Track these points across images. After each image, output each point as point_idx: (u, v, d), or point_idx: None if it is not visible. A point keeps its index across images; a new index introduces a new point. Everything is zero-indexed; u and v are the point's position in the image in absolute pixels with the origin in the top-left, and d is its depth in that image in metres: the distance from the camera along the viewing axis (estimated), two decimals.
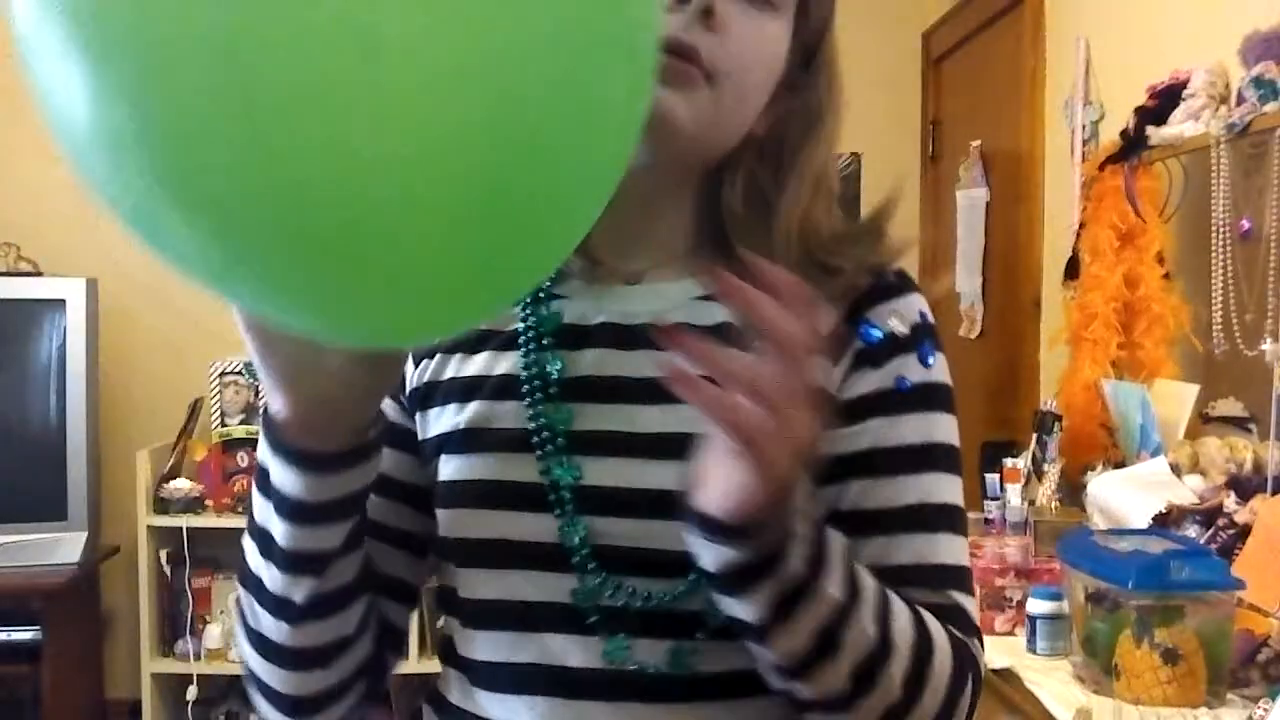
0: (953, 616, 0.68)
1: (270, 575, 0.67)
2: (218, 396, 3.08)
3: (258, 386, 3.11)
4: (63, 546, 2.82)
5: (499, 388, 0.73)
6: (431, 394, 0.76)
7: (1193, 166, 2.05)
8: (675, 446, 0.62)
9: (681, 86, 0.66)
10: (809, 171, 0.72)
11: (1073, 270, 2.33)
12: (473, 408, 0.73)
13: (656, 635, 0.67)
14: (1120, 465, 2.05)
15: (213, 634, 2.99)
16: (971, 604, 0.70)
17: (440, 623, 0.78)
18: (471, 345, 0.75)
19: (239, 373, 3.10)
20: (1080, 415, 2.23)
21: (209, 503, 3.04)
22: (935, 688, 0.63)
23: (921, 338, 0.73)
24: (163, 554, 3.01)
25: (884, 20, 3.74)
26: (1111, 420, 2.16)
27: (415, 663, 2.96)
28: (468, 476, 0.72)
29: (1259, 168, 1.81)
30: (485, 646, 0.72)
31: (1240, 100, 1.83)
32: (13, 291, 2.86)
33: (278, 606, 0.67)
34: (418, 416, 0.77)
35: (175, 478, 3.02)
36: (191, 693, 2.97)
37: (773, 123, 0.73)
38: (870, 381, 0.71)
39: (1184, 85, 2.02)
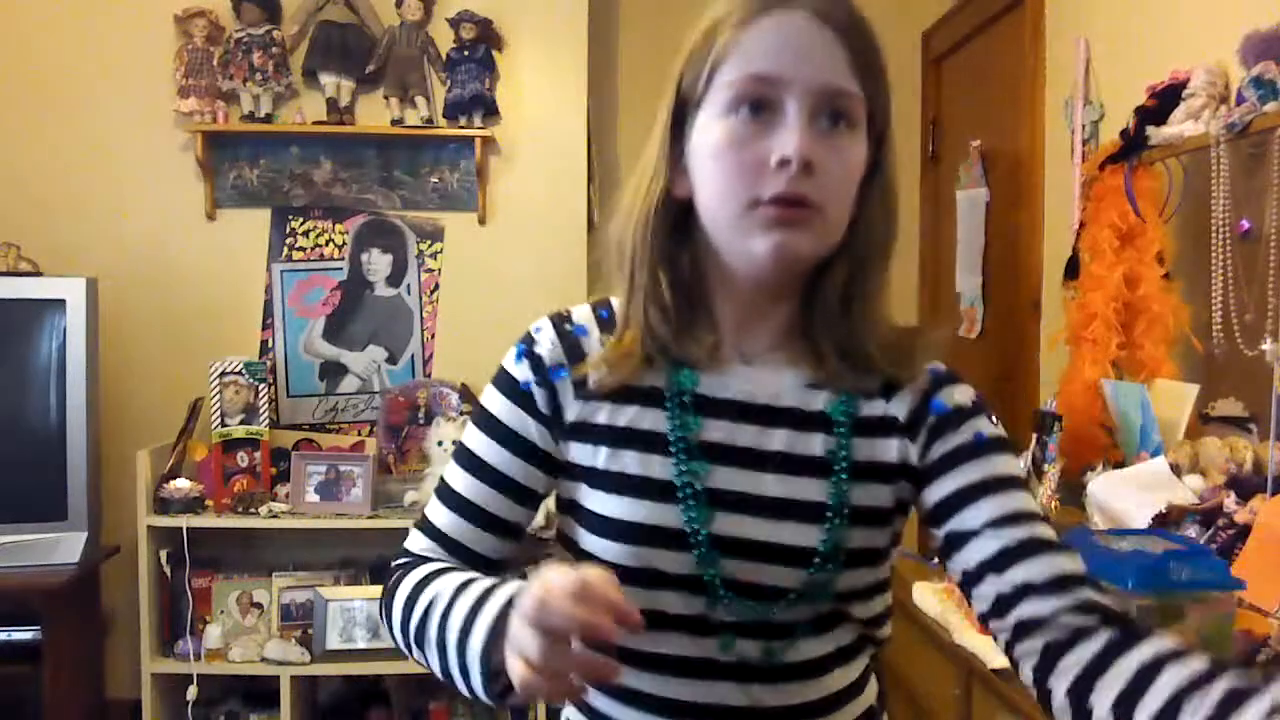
0: (1078, 561, 0.87)
1: (413, 652, 0.92)
2: (218, 396, 3.08)
3: (258, 386, 3.11)
4: (63, 546, 2.82)
5: (648, 441, 0.89)
6: (583, 430, 0.91)
7: (1193, 166, 2.05)
8: (788, 509, 0.87)
9: (799, 227, 0.83)
10: (881, 275, 0.90)
11: (1073, 270, 2.33)
12: (628, 456, 0.89)
13: (755, 637, 0.88)
14: (1120, 465, 2.05)
15: (213, 634, 2.99)
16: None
17: None
18: (620, 397, 0.91)
19: (239, 373, 3.10)
20: (1080, 415, 2.22)
21: (209, 503, 3.04)
22: None
23: (984, 407, 0.93)
24: (163, 554, 3.01)
25: (884, 20, 3.71)
26: (1111, 420, 2.15)
27: (415, 663, 2.96)
28: (621, 516, 0.88)
29: (1259, 168, 1.81)
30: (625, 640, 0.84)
31: (1240, 100, 1.83)
32: (13, 291, 2.86)
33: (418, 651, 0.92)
34: (565, 444, 0.92)
35: (175, 478, 3.02)
36: (191, 693, 2.97)
37: (853, 227, 0.88)
38: (954, 440, 0.90)
39: (1184, 85, 2.02)
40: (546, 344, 0.93)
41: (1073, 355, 2.30)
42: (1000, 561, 0.85)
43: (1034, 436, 2.28)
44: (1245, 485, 1.72)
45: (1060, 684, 0.80)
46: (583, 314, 0.96)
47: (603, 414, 0.91)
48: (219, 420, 3.08)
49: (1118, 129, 2.22)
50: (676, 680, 0.89)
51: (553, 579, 0.69)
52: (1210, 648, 1.40)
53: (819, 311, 0.91)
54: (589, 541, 0.89)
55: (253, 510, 3.02)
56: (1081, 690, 0.78)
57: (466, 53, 3.20)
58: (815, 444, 0.89)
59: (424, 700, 3.13)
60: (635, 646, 0.87)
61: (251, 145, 3.26)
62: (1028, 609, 0.84)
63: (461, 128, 3.23)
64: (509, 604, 0.75)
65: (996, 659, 1.70)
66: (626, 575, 0.81)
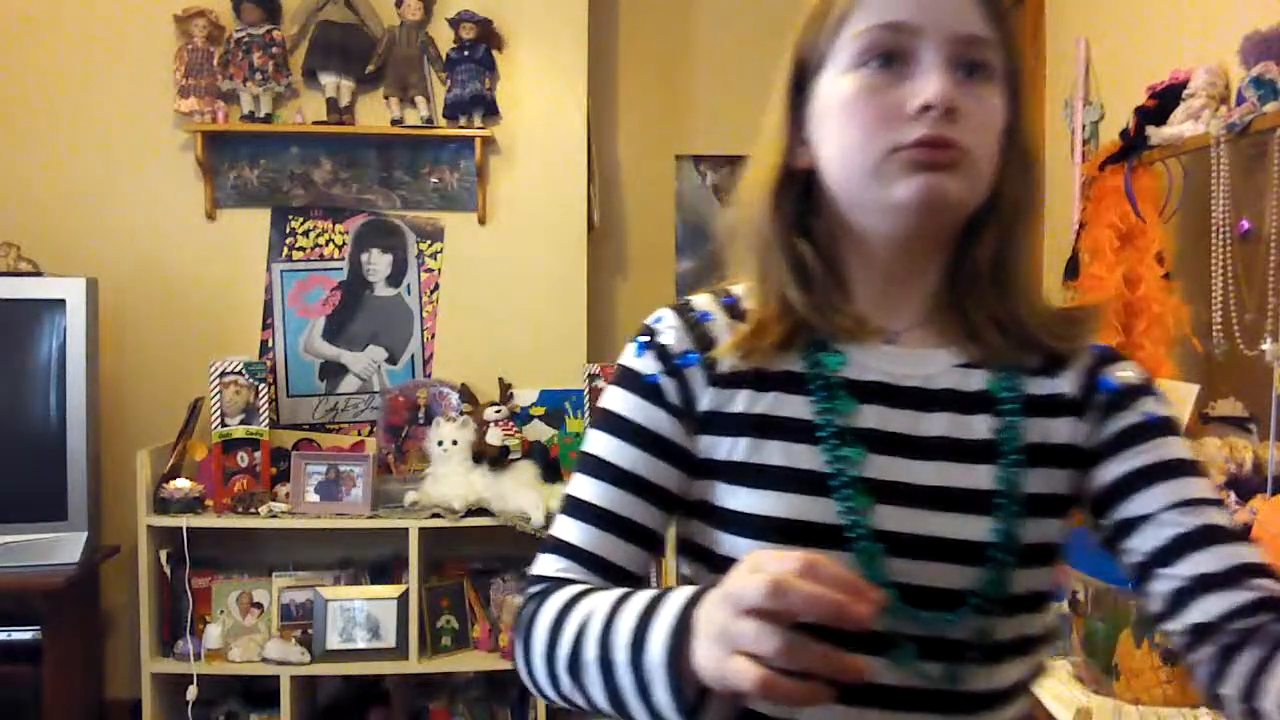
0: (1257, 550, 0.80)
1: (562, 681, 0.76)
2: (218, 396, 3.08)
3: (258, 386, 3.11)
4: (63, 546, 2.82)
5: (793, 429, 0.81)
6: (716, 421, 0.83)
7: (1193, 166, 2.05)
8: (954, 499, 0.79)
9: (947, 170, 0.77)
10: (1027, 237, 0.84)
11: (1073, 270, 2.33)
12: (772, 446, 0.81)
13: (936, 657, 0.78)
14: None
15: (213, 634, 2.99)
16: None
17: None
18: (757, 384, 0.83)
19: (239, 373, 3.10)
20: None
21: (209, 503, 3.04)
22: None
23: (1152, 386, 0.86)
24: (163, 554, 3.01)
25: None
26: None
27: (415, 663, 2.96)
28: (768, 512, 0.80)
29: (1259, 168, 1.81)
30: None
31: (1240, 100, 1.83)
32: (13, 291, 2.86)
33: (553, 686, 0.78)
34: (698, 438, 0.84)
35: (175, 478, 3.02)
36: (191, 693, 2.97)
37: (997, 182, 0.82)
38: (1124, 420, 0.83)
39: (1184, 85, 2.01)
40: (670, 333, 0.86)
41: None
42: (1175, 550, 0.78)
43: None
44: (1245, 485, 1.72)
45: (1231, 688, 0.72)
46: (703, 301, 0.88)
47: (739, 402, 0.83)
48: (219, 420, 3.08)
49: (1118, 129, 2.22)
50: (842, 710, 0.77)
51: (766, 561, 0.60)
52: None
53: (968, 280, 0.84)
54: (729, 544, 0.81)
55: (253, 510, 3.02)
56: (1249, 691, 0.71)
57: (466, 53, 3.20)
58: (978, 426, 0.82)
59: (424, 700, 3.13)
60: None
61: (251, 145, 3.26)
62: (1203, 607, 0.76)
63: (461, 128, 3.23)
64: (692, 603, 0.65)
65: None
66: None
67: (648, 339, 0.86)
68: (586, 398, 3.18)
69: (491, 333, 3.32)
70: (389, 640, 2.97)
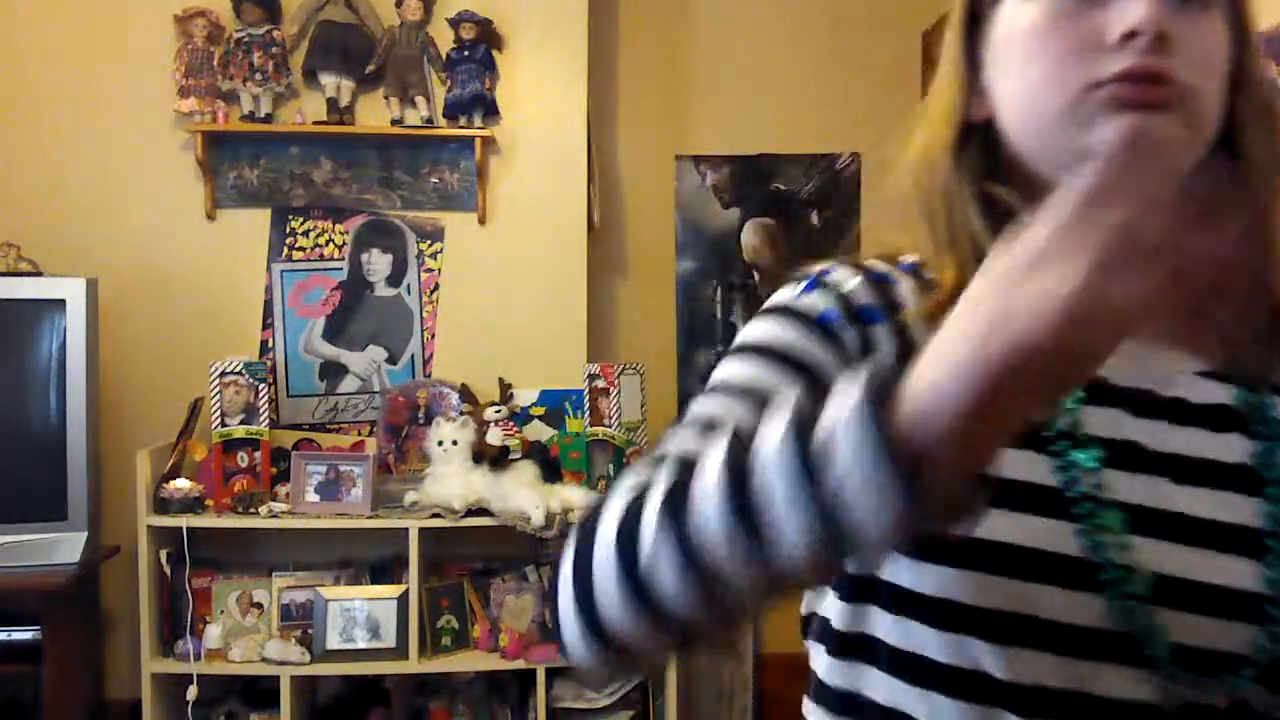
0: None
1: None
2: (218, 396, 3.08)
3: (258, 386, 3.11)
4: (63, 546, 2.81)
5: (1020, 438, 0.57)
6: None
7: None
8: (1217, 536, 0.61)
9: (1161, 109, 0.61)
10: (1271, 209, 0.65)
11: None
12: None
13: None
14: None
15: (213, 634, 2.99)
16: None
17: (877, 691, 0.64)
18: None
19: (239, 373, 3.09)
20: None
21: (209, 503, 3.04)
22: None
23: None
24: (163, 554, 3.01)
25: (884, 20, 3.74)
26: None
27: (415, 663, 2.96)
28: (984, 535, 0.59)
29: None
30: None
31: None
32: (13, 291, 2.86)
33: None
34: None
35: (175, 478, 3.02)
36: (191, 693, 2.96)
37: (1229, 133, 0.66)
38: None
39: None
40: (850, 281, 0.69)
41: None
42: None
43: None
44: None
45: None
46: (875, 263, 0.72)
47: None
48: (219, 420, 3.08)
49: None
50: None
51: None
52: None
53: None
54: (910, 575, 0.61)
55: (253, 510, 3.02)
56: None
57: (466, 53, 3.20)
58: (1231, 448, 0.65)
59: (424, 700, 3.13)
60: None
61: (251, 145, 3.26)
62: None
63: (461, 128, 3.23)
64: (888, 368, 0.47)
65: None
66: (993, 629, 0.58)
67: (817, 279, 0.70)
68: (586, 398, 3.18)
69: (491, 333, 3.32)
70: (389, 640, 2.97)
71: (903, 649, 0.62)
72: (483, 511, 2.97)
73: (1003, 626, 0.59)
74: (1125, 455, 0.63)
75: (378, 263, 3.32)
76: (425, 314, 3.34)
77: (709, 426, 0.59)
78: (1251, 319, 0.65)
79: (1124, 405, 0.65)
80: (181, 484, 3.00)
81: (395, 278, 3.33)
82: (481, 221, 3.32)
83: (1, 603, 2.73)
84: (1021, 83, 0.66)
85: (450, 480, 3.00)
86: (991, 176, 0.70)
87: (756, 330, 0.68)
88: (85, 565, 2.85)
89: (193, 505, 2.99)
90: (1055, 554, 0.59)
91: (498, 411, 3.18)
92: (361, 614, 2.99)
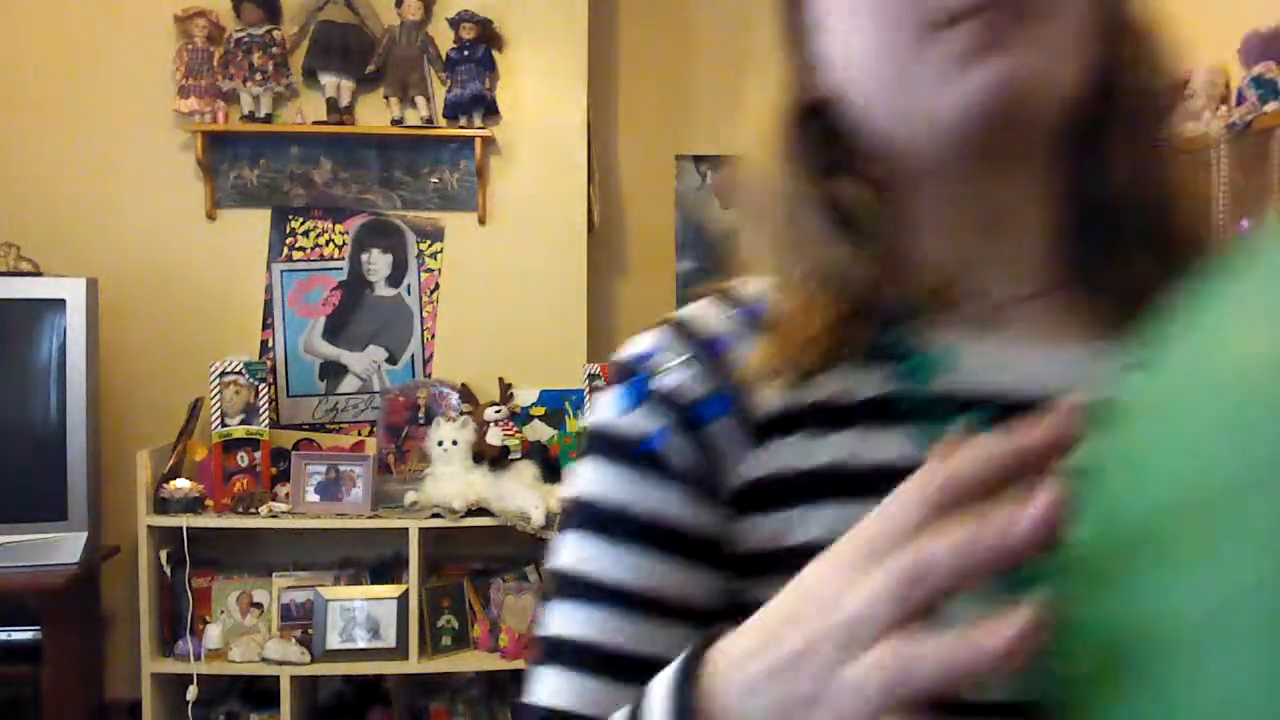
0: None
1: None
2: (218, 396, 3.08)
3: (258, 386, 3.11)
4: (63, 546, 2.81)
5: (892, 480, 0.40)
6: (770, 492, 0.53)
7: (1193, 166, 2.05)
8: None
9: (1011, 43, 0.48)
10: (1165, 133, 0.56)
11: None
12: (848, 510, 0.46)
13: None
14: None
15: (213, 634, 2.99)
16: None
17: None
18: (821, 420, 0.53)
19: (239, 373, 3.09)
20: None
21: (209, 503, 3.04)
22: None
23: None
24: (163, 554, 3.01)
25: None
26: None
27: (415, 663, 2.96)
28: None
29: (1259, 168, 1.81)
30: None
31: (1240, 100, 1.83)
32: (13, 291, 2.86)
33: None
34: (743, 520, 0.53)
35: (175, 478, 3.02)
36: (191, 693, 2.96)
37: (1105, 75, 0.53)
38: None
39: (1184, 85, 2.02)
40: (674, 374, 0.55)
41: None
42: None
43: None
44: None
45: None
46: (710, 316, 0.58)
47: (798, 454, 0.53)
48: (219, 420, 3.08)
49: None
50: None
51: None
52: None
53: (1107, 221, 0.54)
54: None
55: (253, 510, 3.02)
56: None
57: (466, 53, 3.20)
58: None
59: (424, 700, 3.13)
60: None
61: (251, 145, 3.26)
62: None
63: (461, 128, 3.23)
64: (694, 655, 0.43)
65: None
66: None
67: (638, 383, 0.56)
68: (586, 397, 3.18)
69: (491, 333, 3.32)
70: (389, 640, 2.97)
71: None
72: (483, 511, 2.97)
73: None
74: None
75: (378, 263, 3.32)
76: (425, 314, 3.34)
77: (573, 658, 0.54)
78: (1137, 284, 0.53)
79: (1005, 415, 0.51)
80: (181, 484, 3.00)
81: (395, 278, 3.33)
82: (481, 221, 3.32)
83: (1, 603, 2.73)
84: (851, 44, 0.53)
85: (450, 480, 3.00)
86: (838, 171, 0.55)
87: (587, 486, 0.56)
88: (85, 565, 2.85)
89: (193, 505, 2.99)
90: None
91: (498, 411, 3.18)
92: (361, 614, 2.99)
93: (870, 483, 0.47)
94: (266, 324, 3.29)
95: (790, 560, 0.44)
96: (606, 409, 0.56)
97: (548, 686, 0.56)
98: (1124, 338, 0.45)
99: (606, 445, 0.56)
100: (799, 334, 0.53)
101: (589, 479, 0.56)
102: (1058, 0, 0.50)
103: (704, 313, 0.58)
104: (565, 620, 0.55)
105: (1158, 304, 0.39)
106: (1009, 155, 0.53)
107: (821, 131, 0.56)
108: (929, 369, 0.52)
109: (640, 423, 0.55)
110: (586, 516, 0.56)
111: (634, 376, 0.56)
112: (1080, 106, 0.52)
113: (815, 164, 0.56)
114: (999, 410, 0.50)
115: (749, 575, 0.53)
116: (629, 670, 0.51)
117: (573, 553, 0.55)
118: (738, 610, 0.45)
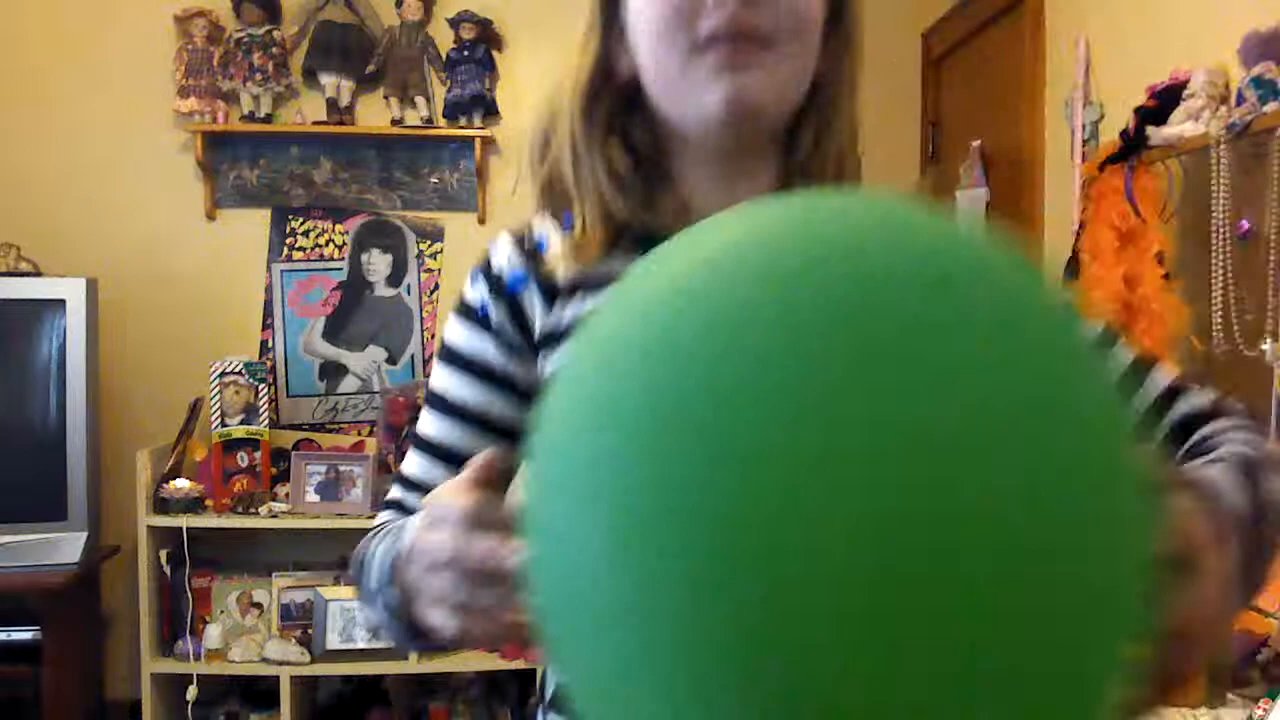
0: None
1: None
2: (218, 396, 3.08)
3: (258, 387, 3.11)
4: (63, 546, 2.81)
5: None
6: (554, 339, 0.78)
7: (1193, 166, 2.05)
8: None
9: (752, 67, 0.71)
10: (851, 123, 0.81)
11: (1073, 270, 2.33)
12: None
13: None
14: None
15: (213, 634, 2.99)
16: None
17: None
18: (588, 289, 0.78)
19: (239, 373, 3.10)
20: None
21: (209, 503, 3.04)
22: None
23: None
24: (163, 554, 3.01)
25: (884, 20, 3.73)
26: None
27: (415, 663, 2.96)
28: None
29: (1259, 168, 1.81)
30: None
31: (1240, 100, 1.83)
32: (13, 291, 2.86)
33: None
34: (539, 362, 0.79)
35: (175, 478, 3.02)
36: (191, 693, 2.97)
37: (816, 79, 0.77)
38: None
39: (1184, 85, 2.01)
40: (502, 256, 0.82)
41: None
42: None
43: None
44: None
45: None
46: (542, 227, 0.84)
47: (570, 312, 0.78)
48: (219, 420, 3.08)
49: (1118, 129, 2.22)
50: None
51: (442, 512, 0.60)
52: None
53: (802, 171, 0.80)
54: None
55: (253, 510, 3.02)
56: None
57: (466, 53, 3.20)
58: None
59: (424, 700, 3.13)
60: None
61: (251, 145, 3.26)
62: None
63: (461, 128, 3.23)
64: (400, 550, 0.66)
65: None
66: None
67: (482, 266, 0.83)
68: None
69: None
70: (389, 640, 2.97)
71: None
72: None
73: None
74: None
75: (378, 263, 3.32)
76: (425, 314, 3.34)
77: (425, 447, 0.82)
78: None
79: None
80: (181, 484, 3.00)
81: (395, 278, 3.33)
82: (481, 221, 3.32)
83: (1, 603, 2.73)
84: (646, 47, 0.74)
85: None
86: (629, 120, 0.79)
87: (448, 332, 0.84)
88: (85, 565, 2.85)
89: (193, 505, 2.99)
90: None
91: None
92: (361, 614, 2.99)
93: None
94: (266, 324, 3.30)
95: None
96: (466, 284, 0.83)
97: (409, 463, 0.84)
98: None
99: (459, 307, 0.83)
100: (581, 236, 0.79)
101: (450, 329, 0.83)
102: (790, 36, 0.72)
103: (536, 224, 0.84)
104: (425, 423, 0.83)
105: None
106: (749, 136, 0.76)
107: (621, 99, 0.79)
108: None
109: (476, 293, 0.82)
110: (444, 354, 0.83)
111: (481, 261, 0.83)
112: (799, 103, 0.76)
113: (603, 124, 0.80)
114: None
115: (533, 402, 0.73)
116: (457, 461, 0.73)
117: (436, 378, 0.83)
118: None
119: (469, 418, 0.81)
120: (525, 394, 0.79)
